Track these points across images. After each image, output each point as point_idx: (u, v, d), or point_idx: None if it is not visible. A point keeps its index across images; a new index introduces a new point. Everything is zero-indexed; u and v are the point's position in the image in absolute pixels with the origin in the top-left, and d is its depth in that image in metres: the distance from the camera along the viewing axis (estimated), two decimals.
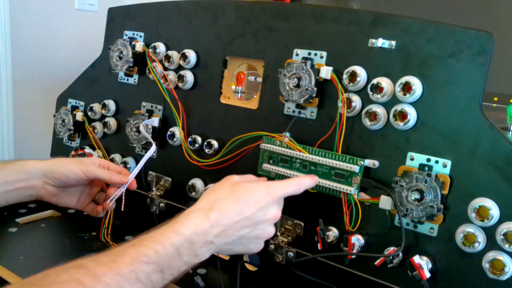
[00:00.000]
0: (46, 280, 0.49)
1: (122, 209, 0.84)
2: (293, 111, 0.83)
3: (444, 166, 0.69)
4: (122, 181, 0.84)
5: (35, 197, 0.82)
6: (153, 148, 0.89)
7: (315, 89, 0.79)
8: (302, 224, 0.82)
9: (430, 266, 0.69)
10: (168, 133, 0.97)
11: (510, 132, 1.07)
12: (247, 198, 0.64)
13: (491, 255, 0.65)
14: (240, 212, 0.62)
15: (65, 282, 0.49)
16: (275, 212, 0.66)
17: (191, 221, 0.60)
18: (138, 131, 1.00)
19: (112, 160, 1.07)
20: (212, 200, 0.64)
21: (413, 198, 0.69)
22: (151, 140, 0.95)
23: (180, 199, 0.98)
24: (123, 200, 0.85)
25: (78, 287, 0.48)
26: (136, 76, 1.06)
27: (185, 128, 0.97)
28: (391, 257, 0.71)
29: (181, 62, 0.97)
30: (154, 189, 1.02)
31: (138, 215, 1.02)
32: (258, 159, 0.85)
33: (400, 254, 0.71)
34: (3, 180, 0.78)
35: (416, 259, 0.68)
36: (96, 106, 1.11)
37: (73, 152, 1.11)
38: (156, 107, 1.02)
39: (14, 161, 0.82)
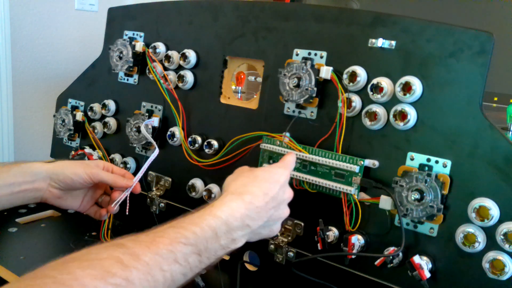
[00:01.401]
0: (88, 256, 0.50)
1: (127, 213, 0.84)
2: (293, 111, 0.83)
3: (444, 166, 0.69)
4: (127, 185, 0.84)
5: (39, 199, 0.81)
6: (156, 151, 0.89)
7: (315, 89, 0.79)
8: (302, 224, 0.82)
9: (430, 266, 0.69)
10: (168, 133, 0.97)
11: (510, 132, 1.07)
12: (270, 178, 0.67)
13: (491, 255, 0.65)
14: (267, 192, 0.65)
15: (105, 259, 0.49)
16: (290, 191, 0.70)
17: (227, 205, 0.61)
18: (138, 131, 1.00)
19: (112, 160, 1.07)
20: (241, 184, 0.66)
21: (413, 198, 0.69)
22: (151, 140, 0.95)
23: (180, 199, 0.98)
24: (128, 204, 0.85)
25: (118, 265, 0.49)
26: (136, 76, 1.06)
27: (185, 128, 0.97)
28: (391, 257, 0.71)
29: (181, 62, 0.97)
30: (154, 189, 1.02)
31: (138, 215, 1.02)
32: (258, 159, 0.85)
33: (400, 254, 0.71)
34: (9, 182, 0.78)
35: (416, 259, 0.68)
36: (96, 106, 1.11)
37: (73, 152, 1.11)
38: (156, 107, 1.02)
39: (19, 163, 0.82)
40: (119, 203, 0.85)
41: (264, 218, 0.64)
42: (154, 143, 0.93)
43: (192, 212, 0.61)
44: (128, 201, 0.85)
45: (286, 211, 0.70)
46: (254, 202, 0.63)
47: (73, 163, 0.84)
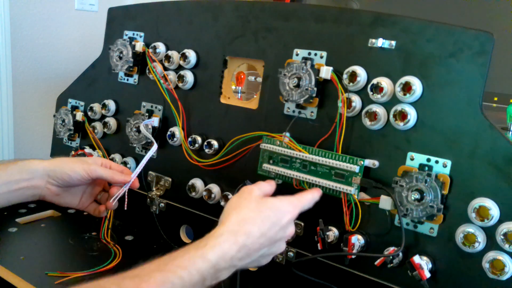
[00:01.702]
0: None
1: (126, 208, 0.84)
2: (293, 111, 0.83)
3: (444, 166, 0.69)
4: (125, 180, 0.84)
5: (37, 197, 0.81)
6: (155, 147, 0.89)
7: (315, 89, 0.79)
8: (302, 224, 0.82)
9: (430, 266, 0.69)
10: (168, 133, 0.97)
11: (510, 132, 1.07)
12: (274, 216, 0.64)
13: (491, 255, 0.65)
14: (265, 233, 0.63)
15: None
16: (291, 230, 0.67)
17: (220, 246, 0.59)
18: (138, 131, 1.00)
19: (112, 160, 1.07)
20: (240, 219, 0.63)
21: (413, 198, 0.69)
22: (152, 139, 0.95)
23: (180, 199, 0.98)
24: (126, 199, 0.85)
25: None
26: (136, 76, 1.06)
27: (185, 128, 0.97)
28: (391, 257, 0.71)
29: (181, 62, 0.97)
30: (154, 189, 1.02)
31: (138, 215, 1.02)
32: (258, 159, 0.85)
33: (400, 254, 0.71)
34: (6, 180, 0.77)
35: (416, 259, 0.68)
36: (96, 106, 1.11)
37: (73, 152, 1.11)
38: (156, 107, 1.02)
39: (16, 161, 0.82)
40: (118, 198, 0.85)
41: (253, 257, 0.62)
42: (153, 139, 0.93)
43: (185, 247, 0.59)
44: (126, 197, 0.85)
45: (281, 248, 0.67)
46: (247, 243, 0.61)
47: (70, 160, 0.84)
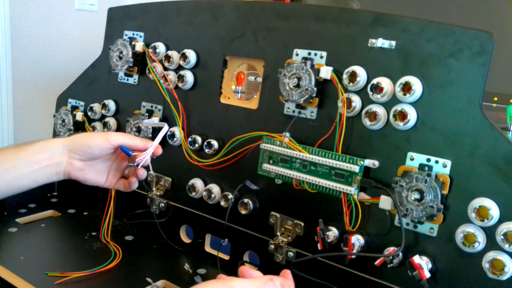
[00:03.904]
0: None
1: (152, 171, 0.81)
2: (293, 111, 0.83)
3: (444, 166, 0.69)
4: (146, 146, 0.81)
5: (61, 174, 0.80)
6: (166, 127, 0.87)
7: (315, 89, 0.79)
8: (302, 224, 0.82)
9: (430, 266, 0.69)
10: (168, 133, 0.97)
11: (510, 132, 1.07)
12: None
13: (491, 255, 0.65)
14: None
15: None
16: None
17: None
18: (138, 131, 1.00)
19: None
20: None
21: (413, 198, 0.69)
22: (160, 124, 0.93)
23: (180, 199, 0.98)
24: (150, 165, 0.83)
25: None
26: (136, 76, 1.06)
27: (185, 128, 0.97)
28: (391, 257, 0.71)
29: (181, 62, 0.97)
30: (154, 189, 1.02)
31: (138, 215, 1.02)
32: (258, 159, 0.85)
33: (400, 254, 0.71)
34: (27, 159, 0.77)
35: (416, 259, 0.68)
36: (96, 106, 1.11)
37: None
38: (156, 107, 1.02)
39: (36, 141, 0.81)
40: (144, 161, 0.81)
41: None
42: (162, 123, 0.91)
43: None
44: (150, 163, 0.83)
45: None
46: None
47: (90, 133, 0.82)
